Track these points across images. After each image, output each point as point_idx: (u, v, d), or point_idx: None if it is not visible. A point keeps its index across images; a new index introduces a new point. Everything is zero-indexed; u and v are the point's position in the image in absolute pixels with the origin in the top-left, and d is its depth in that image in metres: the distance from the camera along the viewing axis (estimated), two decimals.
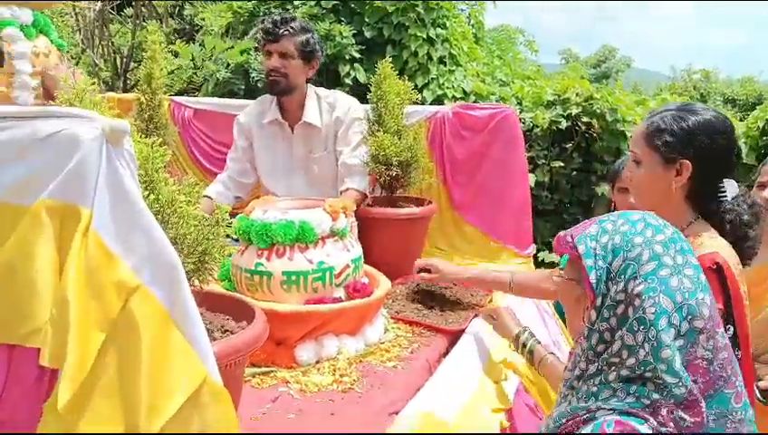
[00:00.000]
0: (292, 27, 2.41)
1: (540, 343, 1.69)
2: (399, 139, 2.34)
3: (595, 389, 1.01)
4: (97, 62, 6.17)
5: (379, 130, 2.34)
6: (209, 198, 2.60)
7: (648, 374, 0.95)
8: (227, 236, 1.07)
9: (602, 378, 1.00)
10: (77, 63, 6.24)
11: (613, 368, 0.99)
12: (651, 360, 0.95)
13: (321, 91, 2.60)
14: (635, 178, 1.50)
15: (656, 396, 0.95)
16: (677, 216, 1.41)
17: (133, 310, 0.63)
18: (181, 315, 0.66)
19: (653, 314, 0.96)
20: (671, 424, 0.94)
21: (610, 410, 0.97)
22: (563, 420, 1.03)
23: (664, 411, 0.95)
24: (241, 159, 2.70)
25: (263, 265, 1.67)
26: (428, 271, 2.06)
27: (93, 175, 0.62)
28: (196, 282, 1.05)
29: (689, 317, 0.96)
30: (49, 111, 0.66)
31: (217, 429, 0.68)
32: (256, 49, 2.46)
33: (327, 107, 2.54)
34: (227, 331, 1.16)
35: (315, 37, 2.51)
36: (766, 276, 1.98)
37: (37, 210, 0.63)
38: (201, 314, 1.23)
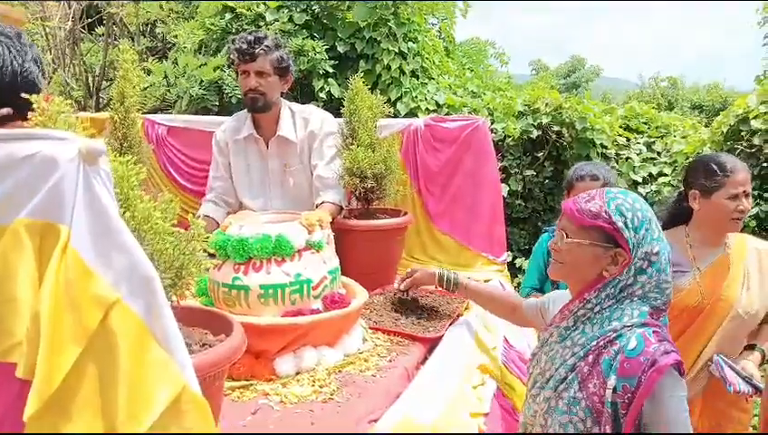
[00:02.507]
0: (267, 45, 2.45)
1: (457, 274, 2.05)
2: (373, 151, 2.38)
3: (618, 314, 1.39)
4: (69, 81, 6.12)
5: (352, 144, 2.38)
6: (208, 217, 2.59)
7: (652, 295, 1.40)
8: (204, 251, 1.09)
9: (619, 308, 1.40)
10: (48, 83, 6.18)
11: (628, 299, 1.40)
12: (658, 288, 1.40)
13: (295, 106, 2.64)
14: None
15: (652, 307, 1.40)
16: None
17: (112, 323, 0.65)
18: (159, 327, 0.68)
19: (665, 261, 1.40)
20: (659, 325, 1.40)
21: (629, 326, 1.36)
22: (593, 343, 1.39)
23: (655, 317, 1.40)
24: (224, 177, 2.71)
25: (240, 279, 1.69)
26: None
27: (71, 194, 0.64)
28: (174, 297, 1.07)
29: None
30: (27, 133, 0.68)
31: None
32: (229, 66, 2.48)
33: (301, 122, 2.58)
34: (206, 344, 1.18)
35: (288, 53, 2.55)
36: (715, 277, 2.06)
37: (16, 229, 0.65)
38: (181, 328, 1.25)
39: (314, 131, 2.55)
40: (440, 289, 2.10)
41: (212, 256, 1.82)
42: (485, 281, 2.51)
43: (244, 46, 2.43)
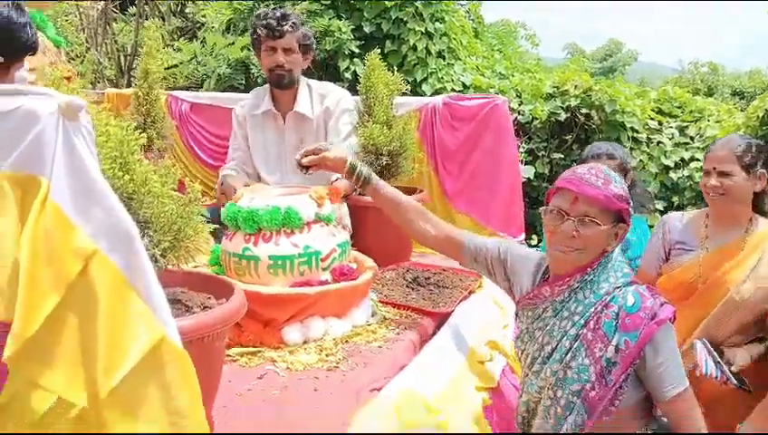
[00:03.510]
0: (293, 22, 2.46)
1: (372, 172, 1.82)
2: (389, 129, 2.38)
3: (605, 277, 1.47)
4: (101, 60, 6.24)
5: (368, 121, 2.38)
6: (229, 176, 2.61)
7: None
8: (213, 221, 1.11)
9: (604, 271, 1.47)
10: (81, 62, 6.31)
11: (610, 262, 1.49)
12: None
13: (313, 82, 2.65)
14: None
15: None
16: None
17: (91, 273, 0.67)
18: (139, 280, 0.70)
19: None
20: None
21: (619, 287, 1.45)
22: (592, 309, 1.44)
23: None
24: (243, 148, 2.74)
25: (250, 249, 1.71)
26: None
27: (51, 147, 0.67)
28: (173, 259, 1.09)
29: None
30: (8, 89, 0.71)
31: (177, 387, 0.72)
32: (253, 43, 2.51)
33: (318, 97, 2.59)
34: (207, 307, 1.20)
35: (310, 30, 2.56)
36: (721, 259, 2.01)
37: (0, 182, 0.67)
38: (184, 292, 1.28)
39: (330, 108, 2.56)
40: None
41: (225, 226, 1.85)
42: None
43: (273, 23, 2.44)
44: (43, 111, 0.68)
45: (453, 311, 1.97)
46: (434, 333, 1.88)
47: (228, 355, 1.57)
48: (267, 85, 2.65)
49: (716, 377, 1.78)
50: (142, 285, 0.71)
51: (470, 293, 2.15)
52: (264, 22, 2.49)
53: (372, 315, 1.87)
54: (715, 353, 1.87)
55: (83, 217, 0.70)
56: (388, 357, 1.64)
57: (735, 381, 1.77)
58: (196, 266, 1.83)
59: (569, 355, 1.45)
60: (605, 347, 1.41)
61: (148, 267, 0.73)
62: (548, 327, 1.51)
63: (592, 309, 1.44)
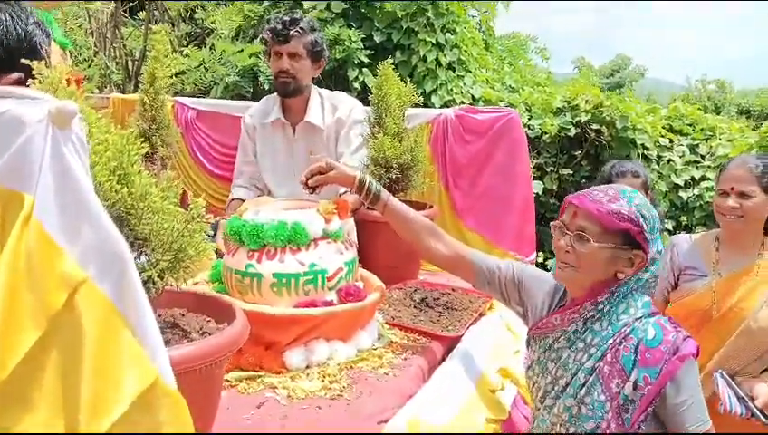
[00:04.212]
0: (301, 27, 2.40)
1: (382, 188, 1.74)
2: (400, 141, 2.30)
3: (623, 308, 1.38)
4: (109, 64, 6.20)
5: (379, 132, 2.31)
6: (240, 199, 2.56)
7: (652, 282, 1.42)
8: (205, 232, 1.03)
9: (623, 302, 1.38)
10: (89, 66, 6.28)
11: (630, 293, 1.39)
12: (653, 282, 1.42)
13: (325, 91, 2.58)
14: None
15: (647, 294, 1.42)
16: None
17: (78, 305, 0.59)
18: (130, 311, 0.62)
19: (661, 257, 1.41)
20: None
21: (639, 318, 1.36)
22: (609, 341, 1.36)
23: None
24: (253, 162, 2.67)
25: (253, 266, 1.63)
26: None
27: (37, 159, 0.59)
28: (171, 280, 1.01)
29: None
30: (3, 91, 0.63)
31: (170, 431, 0.64)
32: (264, 49, 2.45)
33: (330, 107, 2.52)
34: (206, 332, 1.12)
35: (322, 37, 2.49)
36: (736, 285, 1.93)
37: None
38: (182, 314, 1.20)
39: (342, 118, 2.49)
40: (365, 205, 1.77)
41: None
42: None
43: (279, 27, 2.38)
44: (31, 117, 0.60)
45: (463, 335, 1.88)
46: (443, 359, 1.80)
47: (227, 380, 1.49)
48: (277, 94, 2.59)
49: (741, 414, 1.69)
50: (135, 318, 0.64)
51: (480, 315, 2.06)
52: (271, 26, 2.43)
53: (378, 339, 1.79)
54: (737, 388, 1.79)
55: (71, 239, 0.62)
56: (394, 385, 1.55)
57: (763, 419, 1.68)
58: (196, 283, 1.76)
59: (583, 390, 1.37)
60: (623, 383, 1.32)
61: (142, 298, 0.65)
62: (562, 359, 1.43)
63: (610, 341, 1.36)
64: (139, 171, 0.97)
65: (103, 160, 0.93)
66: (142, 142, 2.75)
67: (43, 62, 1.02)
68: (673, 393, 1.30)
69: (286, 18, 2.42)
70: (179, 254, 1.00)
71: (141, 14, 6.70)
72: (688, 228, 4.59)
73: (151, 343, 0.64)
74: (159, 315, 1.18)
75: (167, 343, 1.06)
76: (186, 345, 1.01)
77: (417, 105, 2.52)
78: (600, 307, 1.39)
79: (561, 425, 1.41)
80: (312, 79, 2.53)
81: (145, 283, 0.99)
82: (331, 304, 1.66)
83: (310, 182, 1.77)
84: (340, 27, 4.66)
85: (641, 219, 1.35)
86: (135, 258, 1.03)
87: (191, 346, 1.02)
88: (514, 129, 2.59)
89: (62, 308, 0.59)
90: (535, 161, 4.61)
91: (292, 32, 2.39)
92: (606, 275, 1.38)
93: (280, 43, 2.41)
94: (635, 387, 1.31)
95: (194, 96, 4.75)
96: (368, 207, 1.72)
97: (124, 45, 6.37)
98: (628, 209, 1.35)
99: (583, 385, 1.37)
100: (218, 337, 1.06)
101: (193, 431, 0.68)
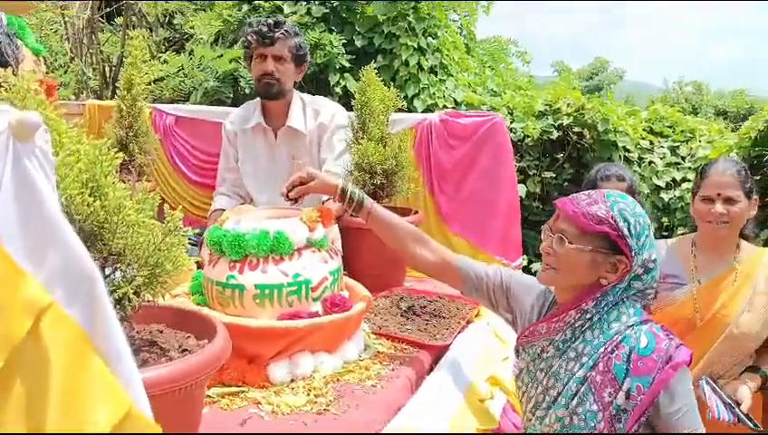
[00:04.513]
0: (286, 30, 2.37)
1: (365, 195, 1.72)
2: (384, 146, 2.27)
3: (614, 315, 1.36)
4: (85, 70, 6.09)
5: (362, 138, 2.27)
6: (222, 210, 2.50)
7: (649, 292, 1.39)
8: (183, 245, 0.99)
9: (615, 310, 1.36)
10: (65, 72, 6.16)
11: (621, 301, 1.36)
12: (648, 291, 1.39)
13: (306, 96, 2.54)
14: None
15: (644, 303, 1.40)
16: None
17: (43, 332, 0.54)
18: (101, 336, 0.58)
19: (657, 268, 1.38)
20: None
21: (631, 325, 1.34)
22: (601, 349, 1.34)
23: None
24: (235, 169, 2.62)
25: (235, 277, 1.58)
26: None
27: None
28: (149, 296, 0.97)
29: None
30: None
31: None
32: (245, 51, 2.40)
33: (312, 112, 2.48)
34: (185, 350, 1.07)
35: (305, 41, 2.46)
36: (717, 292, 1.93)
37: None
38: (160, 331, 1.15)
39: (324, 123, 2.45)
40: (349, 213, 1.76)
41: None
42: None
43: (264, 29, 2.35)
44: None
45: (450, 343, 1.85)
46: (431, 368, 1.76)
47: (208, 395, 1.43)
48: (258, 99, 2.54)
49: (728, 420, 1.68)
50: (106, 343, 0.59)
51: (468, 322, 2.03)
52: (255, 28, 2.39)
53: (365, 349, 1.74)
54: (722, 394, 1.78)
55: (35, 261, 0.57)
56: (382, 397, 1.51)
57: (750, 424, 1.67)
58: (176, 295, 1.70)
59: (575, 400, 1.34)
60: (615, 392, 1.30)
61: (113, 321, 0.61)
62: (552, 369, 1.41)
63: (601, 350, 1.34)
64: (113, 183, 0.92)
65: (74, 172, 0.88)
66: (119, 150, 2.69)
67: (9, 69, 0.97)
68: (666, 402, 1.28)
69: (270, 21, 2.39)
70: (156, 269, 0.95)
71: (119, 20, 6.60)
72: (670, 229, 4.62)
73: (124, 370, 0.60)
74: (138, 332, 1.13)
75: (144, 362, 1.01)
76: (164, 366, 0.96)
77: (400, 110, 2.49)
78: (588, 315, 1.37)
79: None
80: (294, 84, 2.49)
81: (120, 300, 0.95)
82: (315, 315, 1.61)
83: (291, 194, 1.74)
84: (321, 32, 4.62)
85: (620, 223, 1.32)
86: (110, 274, 0.98)
87: (170, 366, 0.97)
88: (499, 133, 2.57)
89: (26, 336, 0.54)
90: (518, 165, 4.60)
91: (277, 34, 2.35)
92: (588, 279, 1.37)
93: (265, 46, 2.37)
94: (627, 396, 1.29)
95: (173, 102, 4.67)
96: (351, 215, 1.68)
97: (101, 51, 6.27)
98: (606, 212, 1.33)
99: (575, 395, 1.35)
100: (198, 356, 1.02)
101: None
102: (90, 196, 0.90)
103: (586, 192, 1.43)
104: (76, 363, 0.56)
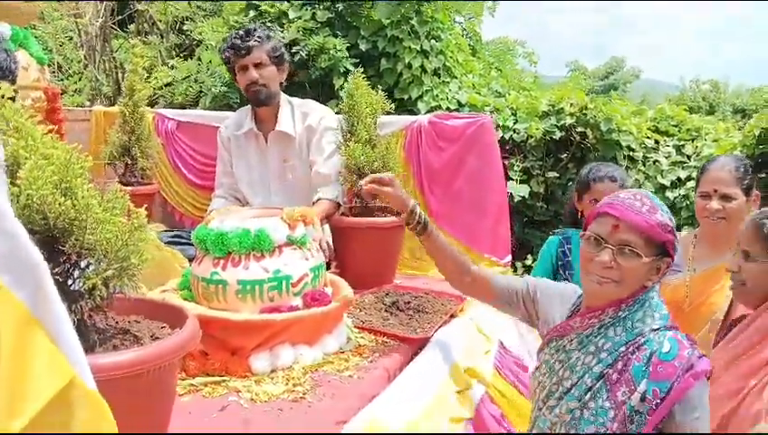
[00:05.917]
0: (259, 36, 2.45)
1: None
2: (372, 148, 2.34)
3: (640, 316, 1.35)
4: (99, 77, 6.26)
5: (351, 140, 2.34)
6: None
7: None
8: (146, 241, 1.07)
9: (641, 310, 1.36)
10: (79, 79, 6.34)
11: (652, 299, 1.37)
12: None
13: (295, 100, 2.62)
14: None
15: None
16: None
17: None
18: (46, 315, 0.65)
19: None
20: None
21: (656, 329, 1.33)
22: (622, 348, 1.33)
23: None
24: (231, 172, 2.72)
25: (218, 273, 1.66)
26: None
27: None
28: (118, 286, 1.05)
29: None
30: None
31: (90, 431, 0.67)
32: (227, 68, 2.49)
33: (300, 115, 2.56)
34: (157, 338, 1.16)
35: (280, 42, 2.54)
36: (708, 283, 1.97)
37: None
38: (137, 321, 1.23)
39: (312, 126, 2.53)
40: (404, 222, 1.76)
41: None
42: None
43: (238, 42, 2.44)
44: None
45: (431, 336, 1.91)
46: (410, 361, 1.83)
47: (192, 384, 1.52)
48: (250, 105, 2.63)
49: None
50: (48, 316, 0.66)
51: (451, 317, 2.09)
52: (230, 43, 2.48)
53: (347, 342, 1.82)
54: None
55: None
56: (357, 387, 1.58)
57: None
58: (164, 291, 1.79)
59: (588, 394, 1.34)
60: (630, 393, 1.30)
61: (55, 298, 0.68)
62: (570, 361, 1.41)
63: (623, 348, 1.33)
64: (83, 184, 1.00)
65: (46, 175, 0.97)
66: (122, 154, 2.82)
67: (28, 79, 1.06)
68: (682, 410, 1.27)
69: (241, 32, 2.47)
70: (124, 262, 1.03)
71: (131, 27, 6.77)
72: (675, 229, 4.62)
73: (68, 345, 0.67)
74: (116, 322, 1.21)
75: (115, 348, 1.10)
76: (129, 351, 1.04)
77: (390, 113, 2.55)
78: (621, 313, 1.37)
79: (561, 425, 1.39)
80: (280, 84, 2.57)
81: (91, 290, 1.03)
82: (295, 308, 1.69)
83: (366, 187, 1.75)
84: (325, 36, 4.70)
85: (674, 227, 1.35)
86: (85, 267, 1.07)
87: (140, 350, 1.05)
88: (486, 134, 2.62)
89: None
90: (522, 165, 4.65)
91: (250, 42, 2.44)
92: (637, 285, 1.36)
93: (242, 56, 2.46)
94: (642, 399, 1.28)
95: (183, 107, 4.79)
96: (416, 235, 1.72)
97: (114, 58, 6.43)
98: (669, 219, 1.34)
99: (589, 389, 1.35)
100: (168, 341, 1.10)
101: (114, 427, 0.71)
102: (61, 196, 0.98)
103: (629, 195, 1.38)
104: (21, 337, 0.63)
